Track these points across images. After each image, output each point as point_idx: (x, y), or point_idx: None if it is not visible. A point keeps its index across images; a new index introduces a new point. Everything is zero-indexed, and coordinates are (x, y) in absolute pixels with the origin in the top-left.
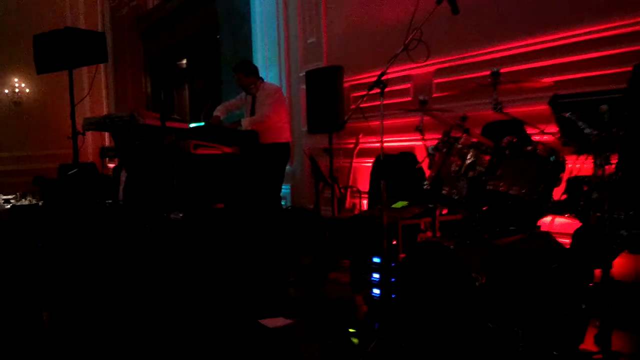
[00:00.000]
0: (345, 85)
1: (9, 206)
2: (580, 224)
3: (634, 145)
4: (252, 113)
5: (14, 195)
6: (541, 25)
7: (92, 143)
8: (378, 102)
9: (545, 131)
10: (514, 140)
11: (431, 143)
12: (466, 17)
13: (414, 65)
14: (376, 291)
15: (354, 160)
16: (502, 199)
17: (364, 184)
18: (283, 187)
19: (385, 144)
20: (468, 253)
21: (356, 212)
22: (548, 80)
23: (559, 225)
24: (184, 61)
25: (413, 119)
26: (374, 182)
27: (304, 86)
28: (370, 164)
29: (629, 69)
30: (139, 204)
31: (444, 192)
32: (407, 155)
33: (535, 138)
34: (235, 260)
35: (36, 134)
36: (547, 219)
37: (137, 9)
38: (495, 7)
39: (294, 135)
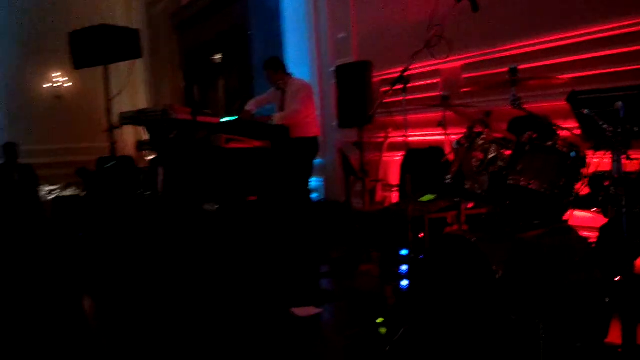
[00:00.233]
0: (375, 79)
1: (52, 197)
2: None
3: None
4: (282, 108)
5: (57, 187)
6: (566, 22)
7: (133, 136)
8: (406, 97)
9: (563, 127)
10: (534, 135)
11: (457, 138)
12: (493, 12)
13: (442, 60)
14: (404, 283)
15: (384, 154)
16: (523, 194)
17: (394, 178)
18: (316, 180)
19: (414, 138)
20: (490, 246)
21: (386, 205)
22: (564, 76)
23: (588, 220)
24: (218, 56)
25: (441, 114)
26: (403, 176)
27: (334, 81)
28: (399, 158)
29: None
30: (176, 196)
31: (466, 186)
32: (435, 150)
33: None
34: (268, 251)
35: (76, 127)
36: (576, 213)
37: (171, 5)
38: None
39: (326, 129)
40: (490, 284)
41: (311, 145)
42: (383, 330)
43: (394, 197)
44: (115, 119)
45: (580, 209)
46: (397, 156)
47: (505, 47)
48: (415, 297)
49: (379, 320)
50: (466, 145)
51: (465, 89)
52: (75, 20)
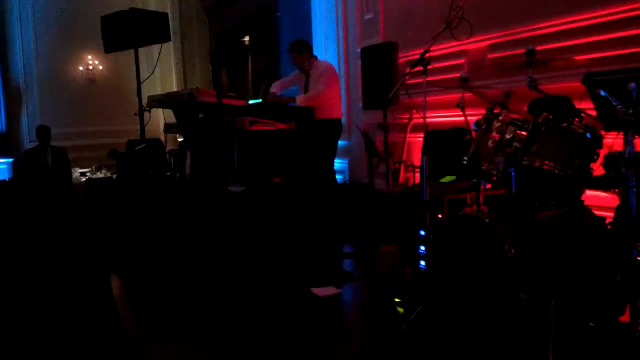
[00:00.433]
0: (401, 60)
1: (84, 179)
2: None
3: None
4: (306, 90)
5: (89, 169)
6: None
7: (164, 119)
8: (430, 78)
9: (581, 107)
10: (550, 116)
11: (478, 119)
12: None
13: (467, 41)
14: (422, 263)
15: (408, 135)
16: (538, 175)
17: (417, 159)
18: (341, 161)
19: (437, 119)
20: (503, 227)
21: (409, 186)
22: (580, 57)
23: (605, 200)
24: (247, 39)
25: (465, 94)
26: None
27: (359, 62)
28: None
29: None
30: (203, 178)
31: (483, 167)
32: (458, 131)
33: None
34: (292, 231)
35: (109, 110)
36: (594, 193)
37: None
38: None
39: (351, 111)
40: (503, 264)
41: (335, 127)
42: (401, 309)
43: (417, 178)
44: (145, 102)
45: (595, 189)
46: (421, 137)
47: (529, 27)
48: (431, 277)
49: (397, 300)
50: (484, 126)
51: (487, 70)
52: (108, 4)
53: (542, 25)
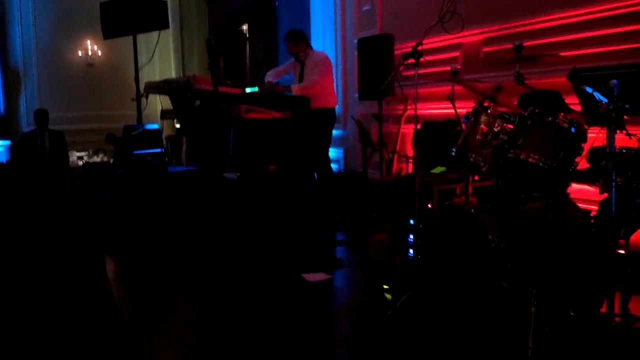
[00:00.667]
0: (397, 52)
1: (82, 163)
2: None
3: None
4: (301, 79)
5: (86, 153)
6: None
7: (161, 105)
8: (425, 70)
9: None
10: (536, 110)
11: (468, 111)
12: None
13: (463, 34)
14: (411, 251)
15: (402, 126)
16: (523, 167)
17: (411, 150)
18: (336, 150)
19: (431, 111)
20: (489, 217)
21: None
22: (564, 54)
23: (591, 193)
24: (245, 27)
25: (456, 87)
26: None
27: (356, 53)
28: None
29: None
30: (199, 164)
31: (471, 159)
32: (451, 122)
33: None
34: (286, 218)
35: (107, 95)
36: (579, 187)
37: None
38: None
39: (348, 101)
40: (486, 253)
41: (329, 116)
42: (389, 296)
43: (410, 168)
44: (142, 88)
45: (580, 182)
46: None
47: (524, 22)
48: (419, 265)
49: (385, 287)
50: (473, 119)
51: (481, 64)
52: None
53: (536, 19)
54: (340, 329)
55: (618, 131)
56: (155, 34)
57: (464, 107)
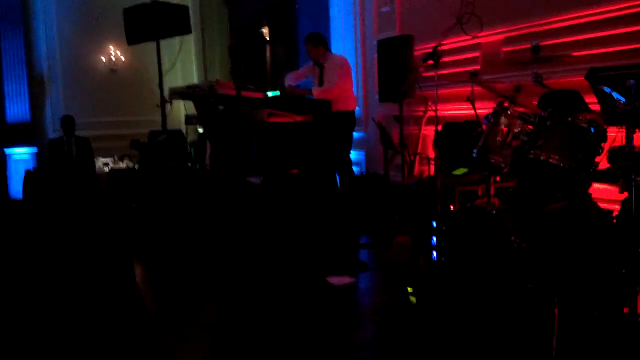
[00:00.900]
0: (417, 53)
1: (107, 169)
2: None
3: None
4: (321, 82)
5: (111, 159)
6: None
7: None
8: (445, 71)
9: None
10: (555, 111)
11: (488, 112)
12: None
13: (482, 34)
14: (434, 253)
15: (423, 127)
16: (544, 168)
17: (432, 151)
18: (357, 153)
19: (452, 112)
20: (510, 218)
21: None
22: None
23: (613, 193)
24: (265, 30)
25: (476, 88)
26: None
27: (376, 55)
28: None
29: None
30: (223, 168)
31: (492, 160)
32: (472, 124)
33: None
34: (310, 221)
35: (130, 101)
36: (601, 187)
37: None
38: None
39: (368, 103)
40: (509, 255)
41: (350, 119)
42: (413, 299)
43: (432, 170)
44: (166, 93)
45: (600, 182)
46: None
47: (544, 21)
48: (442, 267)
49: (409, 290)
50: (493, 120)
51: (500, 64)
52: None
53: (555, 19)
54: (365, 332)
55: (637, 130)
56: (176, 38)
57: (484, 108)
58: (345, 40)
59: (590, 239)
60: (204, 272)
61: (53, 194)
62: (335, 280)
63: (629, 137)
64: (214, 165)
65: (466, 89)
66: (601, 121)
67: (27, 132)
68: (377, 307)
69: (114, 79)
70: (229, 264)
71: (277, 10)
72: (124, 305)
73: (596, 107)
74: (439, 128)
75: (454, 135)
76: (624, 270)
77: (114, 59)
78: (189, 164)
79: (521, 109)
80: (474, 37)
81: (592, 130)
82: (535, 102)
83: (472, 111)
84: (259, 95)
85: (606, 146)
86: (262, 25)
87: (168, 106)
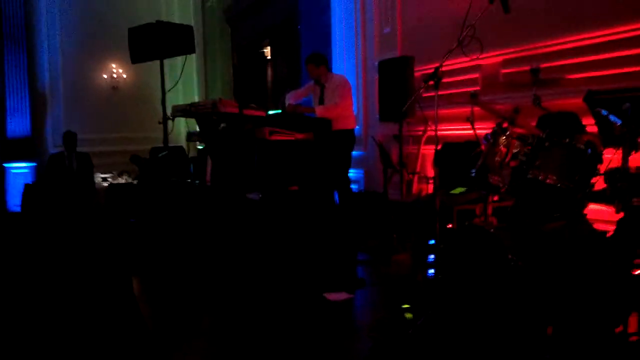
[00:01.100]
0: (417, 74)
1: (106, 184)
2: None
3: None
4: (322, 101)
5: (111, 174)
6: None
7: (184, 127)
8: (445, 92)
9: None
10: (553, 132)
11: (487, 133)
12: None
13: (482, 56)
14: (431, 271)
15: (422, 147)
16: (541, 188)
17: (431, 170)
18: (356, 171)
19: (450, 132)
20: (508, 237)
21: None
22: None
23: (608, 214)
24: (268, 50)
25: (476, 109)
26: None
27: (377, 75)
28: None
29: None
30: (223, 185)
31: (490, 180)
32: (471, 144)
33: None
34: (308, 238)
35: (131, 118)
36: (596, 207)
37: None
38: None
39: (368, 122)
40: (506, 272)
41: (350, 138)
42: (409, 315)
43: (430, 189)
44: (168, 111)
45: (596, 202)
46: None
47: (542, 44)
48: (439, 284)
49: (406, 306)
50: (492, 140)
51: (500, 85)
52: (134, 16)
53: (554, 42)
54: (362, 347)
55: (633, 152)
56: (177, 58)
57: (483, 128)
58: (346, 60)
59: (585, 258)
60: (203, 287)
61: (52, 207)
62: (332, 296)
63: (625, 159)
64: (214, 181)
65: (465, 110)
66: (598, 143)
67: (27, 146)
68: (373, 323)
69: (116, 96)
70: (228, 278)
71: (279, 30)
72: (121, 315)
73: (593, 129)
74: (439, 147)
75: (453, 155)
76: (616, 291)
77: (115, 76)
78: (189, 180)
79: (520, 130)
80: (475, 59)
81: (589, 151)
82: (533, 124)
83: (470, 131)
84: (261, 113)
85: (602, 167)
86: (264, 45)
87: (170, 123)
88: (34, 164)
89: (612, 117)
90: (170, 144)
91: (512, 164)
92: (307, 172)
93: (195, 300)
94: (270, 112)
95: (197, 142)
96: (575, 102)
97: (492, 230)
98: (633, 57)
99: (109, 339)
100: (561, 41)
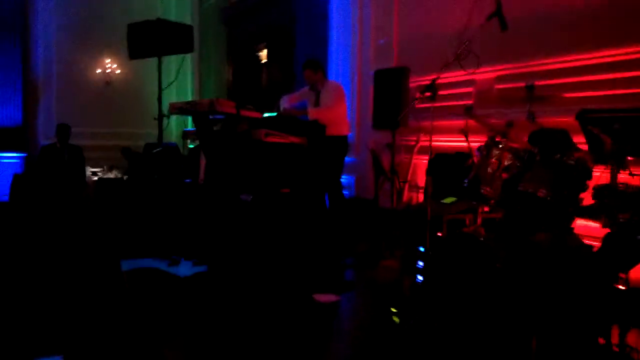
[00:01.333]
0: (412, 85)
1: (96, 178)
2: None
3: None
4: (316, 106)
5: (101, 169)
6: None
7: (176, 125)
8: (439, 104)
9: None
10: (544, 147)
11: (480, 145)
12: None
13: (477, 71)
14: (420, 277)
15: (414, 156)
16: (531, 200)
17: (422, 179)
18: (348, 177)
19: (443, 143)
20: (496, 246)
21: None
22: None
23: (595, 229)
24: (263, 52)
25: (469, 122)
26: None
27: (372, 84)
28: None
29: None
30: (216, 184)
31: (482, 191)
32: (462, 155)
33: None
34: (298, 240)
35: (124, 113)
36: (583, 222)
37: (222, 1)
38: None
39: (361, 129)
40: (492, 280)
41: (342, 144)
42: (396, 319)
43: (421, 197)
44: (164, 108)
45: (584, 217)
46: (427, 159)
47: (535, 62)
48: (426, 290)
49: (393, 310)
50: (484, 152)
51: (493, 100)
52: (130, 13)
53: (549, 60)
54: (347, 349)
55: (622, 170)
56: (171, 55)
57: (476, 140)
58: (342, 68)
59: (571, 270)
60: (189, 284)
61: (40, 198)
62: (321, 297)
63: (614, 176)
64: (208, 180)
65: (457, 122)
66: (588, 160)
67: (18, 137)
68: (360, 325)
69: (108, 90)
70: (216, 277)
71: (276, 33)
72: (112, 304)
73: (584, 147)
74: (428, 158)
75: (444, 166)
76: (600, 302)
77: (109, 71)
78: (181, 178)
79: (513, 144)
80: (471, 74)
81: (579, 167)
82: (525, 139)
83: (462, 143)
84: (257, 115)
85: (591, 184)
86: (261, 47)
87: (165, 120)
88: (24, 154)
89: (603, 136)
90: (165, 141)
91: (504, 175)
92: (300, 176)
93: (181, 299)
94: (266, 115)
95: (189, 141)
96: (567, 120)
97: (481, 238)
98: (625, 80)
99: (100, 328)
100: (554, 60)
